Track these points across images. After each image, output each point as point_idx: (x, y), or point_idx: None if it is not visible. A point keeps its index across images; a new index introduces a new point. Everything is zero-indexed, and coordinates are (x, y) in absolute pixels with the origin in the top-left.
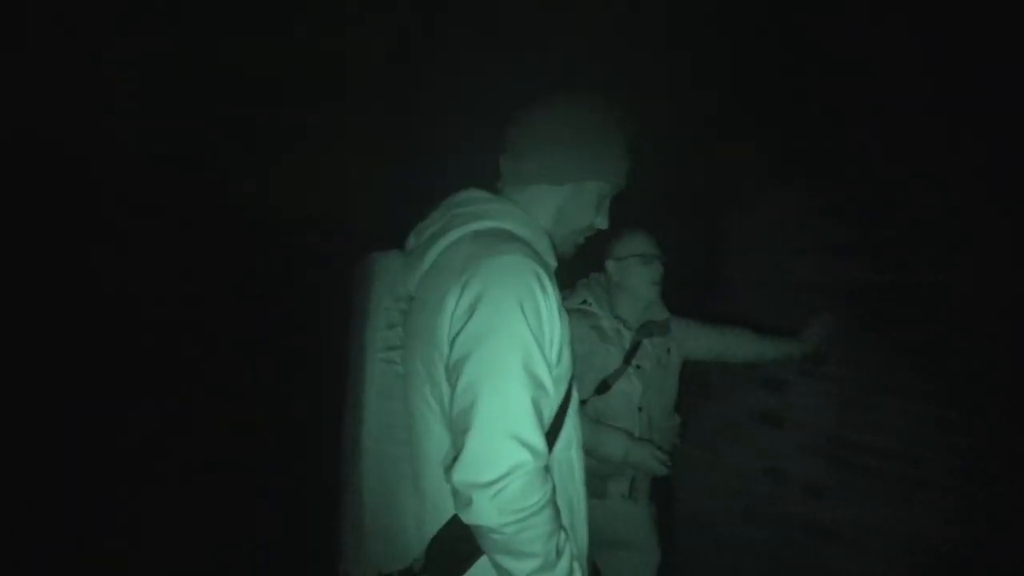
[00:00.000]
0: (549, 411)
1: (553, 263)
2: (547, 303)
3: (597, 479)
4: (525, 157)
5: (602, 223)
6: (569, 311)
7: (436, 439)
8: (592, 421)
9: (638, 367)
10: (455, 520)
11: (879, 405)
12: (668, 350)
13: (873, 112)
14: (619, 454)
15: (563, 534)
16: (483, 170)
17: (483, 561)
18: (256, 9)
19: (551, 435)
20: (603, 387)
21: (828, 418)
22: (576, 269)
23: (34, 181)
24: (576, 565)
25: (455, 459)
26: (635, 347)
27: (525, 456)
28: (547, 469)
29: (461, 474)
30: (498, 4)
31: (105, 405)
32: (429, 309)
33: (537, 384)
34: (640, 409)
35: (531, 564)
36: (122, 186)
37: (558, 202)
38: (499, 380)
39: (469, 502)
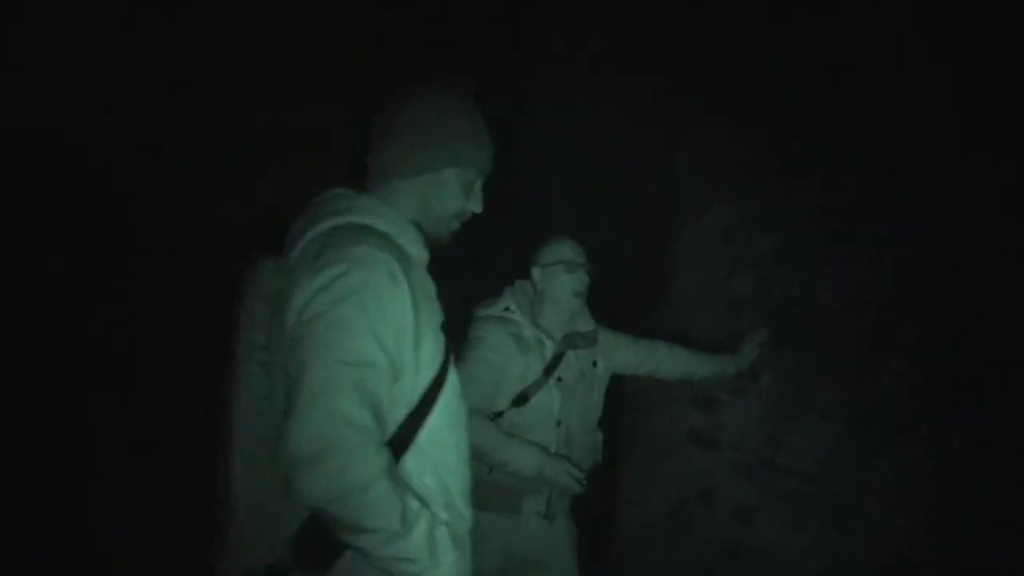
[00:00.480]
0: (389, 392)
1: (420, 253)
2: (397, 290)
3: (512, 495)
4: (383, 153)
5: (475, 207)
6: (489, 318)
7: None
8: (506, 434)
9: (559, 379)
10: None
11: (806, 427)
12: (594, 363)
13: (821, 122)
14: (532, 469)
15: (413, 504)
16: None
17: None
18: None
19: (416, 417)
20: (521, 399)
21: (757, 439)
22: (505, 276)
23: (31, 180)
24: (442, 533)
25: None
26: (557, 358)
27: (345, 434)
28: (380, 445)
29: (283, 451)
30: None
31: (105, 404)
32: (284, 305)
33: (367, 364)
34: (559, 423)
35: (373, 539)
36: (120, 183)
37: (419, 193)
38: (323, 360)
39: (291, 479)
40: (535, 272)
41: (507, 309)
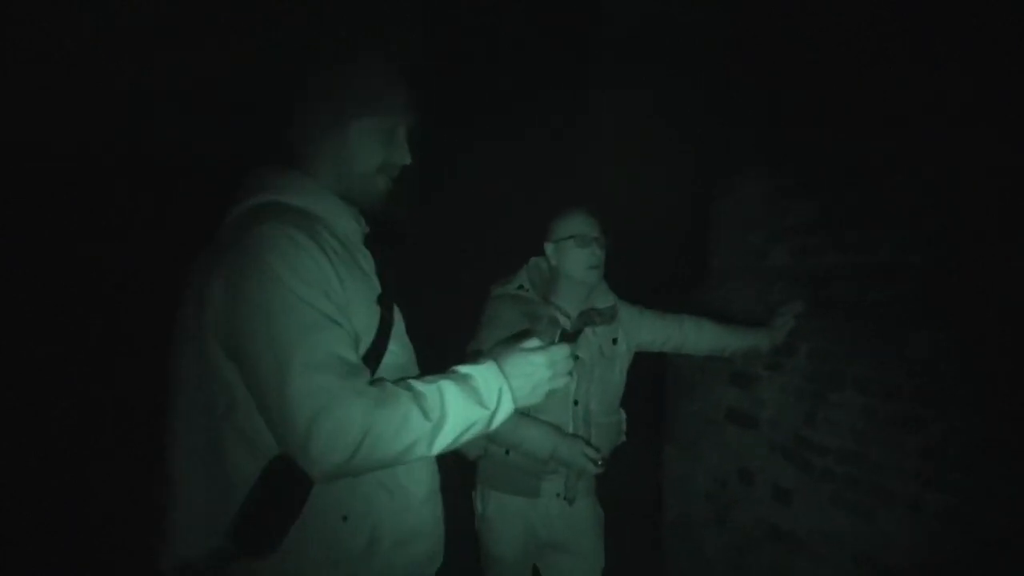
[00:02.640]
0: (348, 334)
1: (349, 224)
2: (308, 257)
3: (530, 477)
4: (290, 123)
5: (401, 158)
6: (503, 296)
7: (220, 418)
8: (518, 415)
9: (576, 358)
10: (256, 492)
11: (844, 402)
12: (614, 340)
13: (850, 92)
14: (545, 451)
15: (413, 407)
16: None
17: (303, 525)
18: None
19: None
20: None
21: (796, 416)
22: (519, 253)
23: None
24: (432, 387)
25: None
26: (575, 334)
27: (318, 402)
28: (355, 389)
29: (286, 447)
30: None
31: (112, 409)
32: (201, 292)
33: (314, 328)
34: (576, 403)
35: (422, 446)
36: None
37: (332, 156)
38: (271, 349)
39: (306, 467)
40: (548, 248)
41: (520, 287)
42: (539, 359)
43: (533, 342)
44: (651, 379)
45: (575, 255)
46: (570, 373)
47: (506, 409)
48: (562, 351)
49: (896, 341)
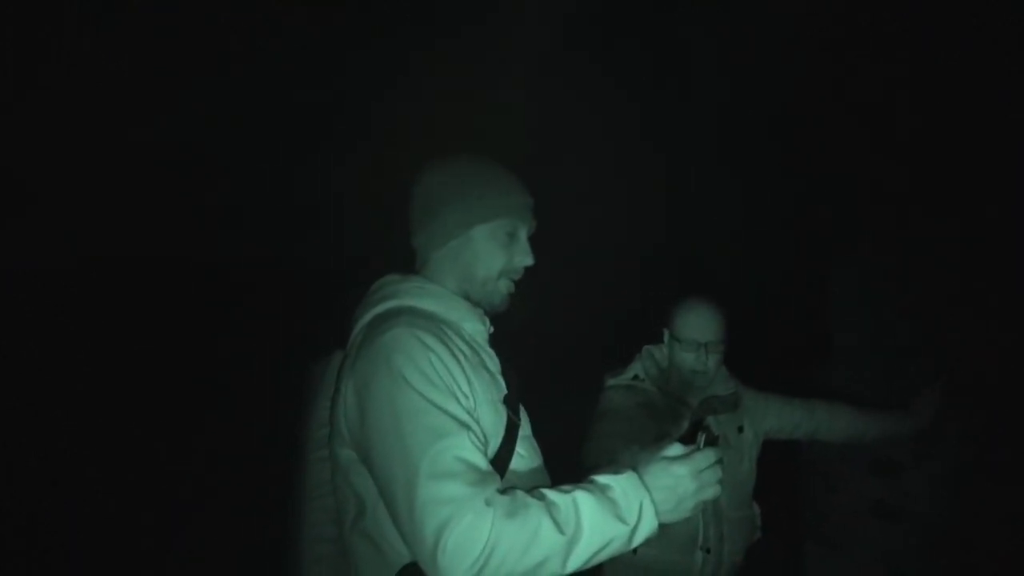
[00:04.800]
0: (483, 442)
1: (475, 325)
2: (435, 358)
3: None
4: (414, 232)
5: (524, 261)
6: (617, 387)
7: (351, 525)
8: None
9: (699, 448)
10: None
11: (1002, 495)
12: (740, 428)
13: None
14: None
15: (546, 519)
16: None
17: None
18: None
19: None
20: None
21: (947, 508)
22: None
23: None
24: (566, 501)
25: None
26: (695, 426)
27: (446, 512)
28: (483, 501)
29: (416, 556)
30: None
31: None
32: (334, 400)
33: (443, 433)
34: None
35: (557, 562)
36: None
37: (456, 261)
38: (400, 454)
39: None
40: (665, 335)
41: (636, 377)
42: (683, 470)
43: (676, 449)
44: (787, 468)
45: (682, 356)
46: (720, 482)
47: (648, 525)
48: (707, 459)
49: None
